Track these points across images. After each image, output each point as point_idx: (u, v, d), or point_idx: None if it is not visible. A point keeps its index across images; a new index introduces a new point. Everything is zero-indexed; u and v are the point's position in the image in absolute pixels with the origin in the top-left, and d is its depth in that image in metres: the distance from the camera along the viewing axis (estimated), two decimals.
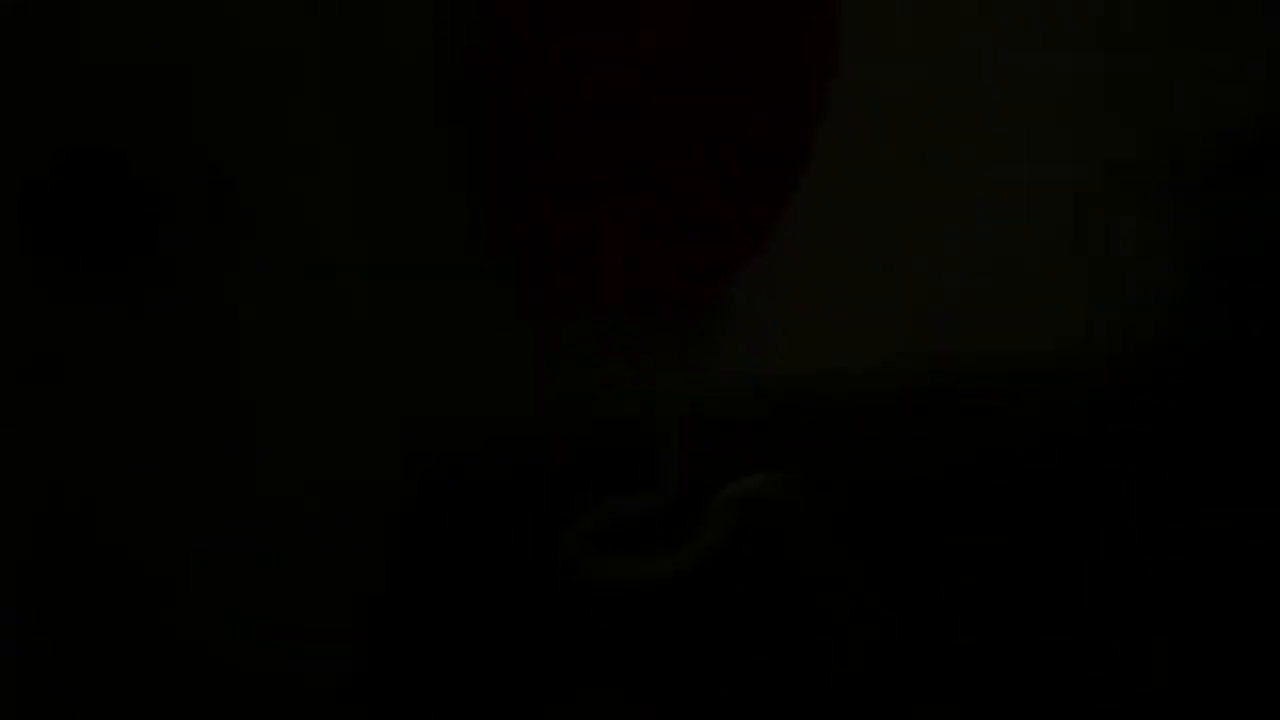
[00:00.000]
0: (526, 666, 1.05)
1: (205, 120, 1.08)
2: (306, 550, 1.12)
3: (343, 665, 1.10)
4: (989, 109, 1.25)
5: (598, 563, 1.04)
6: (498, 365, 1.22)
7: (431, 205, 1.20)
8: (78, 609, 1.08)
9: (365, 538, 1.14)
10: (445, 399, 1.20)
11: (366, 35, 1.16)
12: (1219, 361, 1.24)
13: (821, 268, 1.22)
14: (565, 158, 0.96)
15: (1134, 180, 1.27)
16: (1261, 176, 1.26)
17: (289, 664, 1.11)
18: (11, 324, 1.05)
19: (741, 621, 1.05)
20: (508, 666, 1.06)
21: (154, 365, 1.09)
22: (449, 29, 1.04)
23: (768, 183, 1.00)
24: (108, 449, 1.08)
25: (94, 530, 1.09)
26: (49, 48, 1.04)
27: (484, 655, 1.06)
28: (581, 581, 1.05)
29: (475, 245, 1.20)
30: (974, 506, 1.13)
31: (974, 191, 1.26)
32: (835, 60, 1.00)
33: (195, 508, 1.11)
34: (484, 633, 1.07)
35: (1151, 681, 1.08)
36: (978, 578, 1.11)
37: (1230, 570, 1.11)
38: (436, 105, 1.17)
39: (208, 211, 1.08)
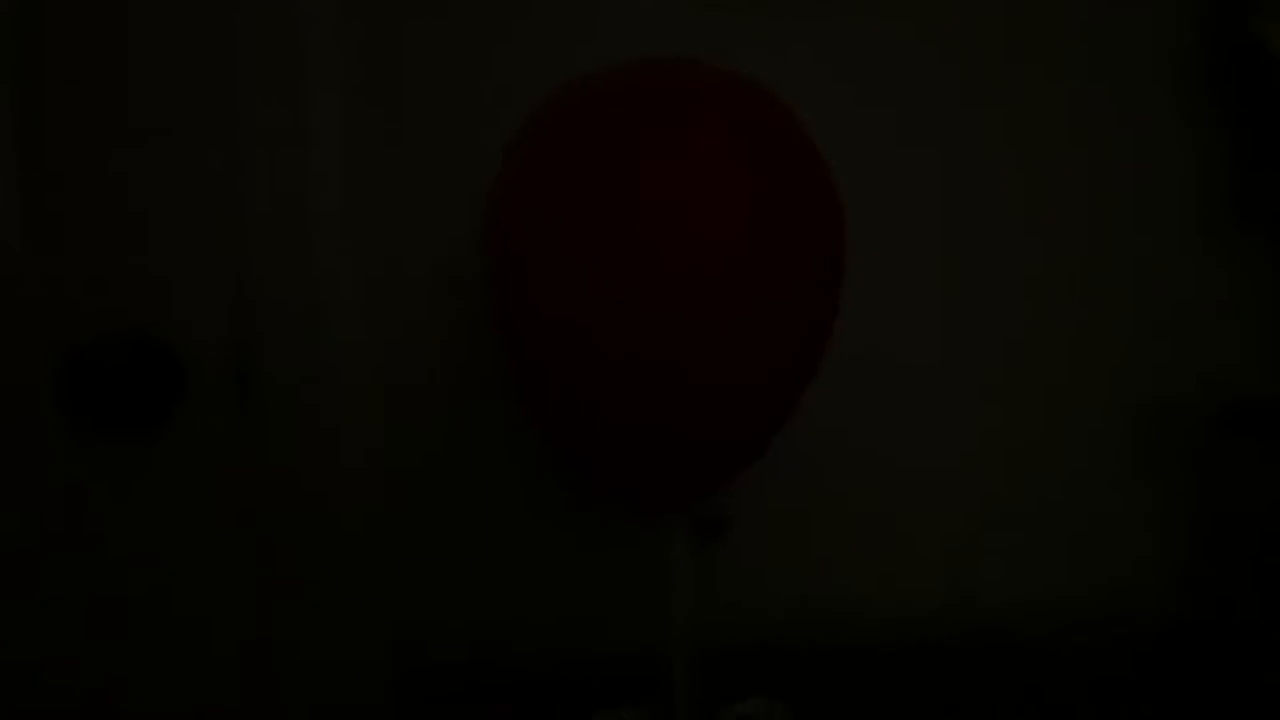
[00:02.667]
0: None
1: (241, 310, 1.12)
2: None
3: None
4: (984, 365, 1.29)
5: None
6: (507, 575, 1.24)
7: (457, 411, 1.25)
8: None
9: None
10: (448, 606, 1.23)
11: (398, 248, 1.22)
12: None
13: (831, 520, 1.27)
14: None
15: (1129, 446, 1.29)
16: (1259, 440, 1.27)
17: None
18: (44, 481, 1.09)
19: None
20: None
21: (169, 533, 1.11)
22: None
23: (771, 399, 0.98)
24: (117, 605, 1.11)
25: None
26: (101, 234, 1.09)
27: None
28: None
29: (495, 452, 1.24)
30: None
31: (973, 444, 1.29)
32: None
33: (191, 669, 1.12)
34: None
35: None
36: None
37: None
38: (460, 306, 1.21)
39: (235, 394, 1.12)
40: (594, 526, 1.24)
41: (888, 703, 1.13)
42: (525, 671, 1.20)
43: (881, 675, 1.18)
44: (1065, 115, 1.29)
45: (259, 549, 1.13)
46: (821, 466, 1.26)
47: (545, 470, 1.24)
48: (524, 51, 1.22)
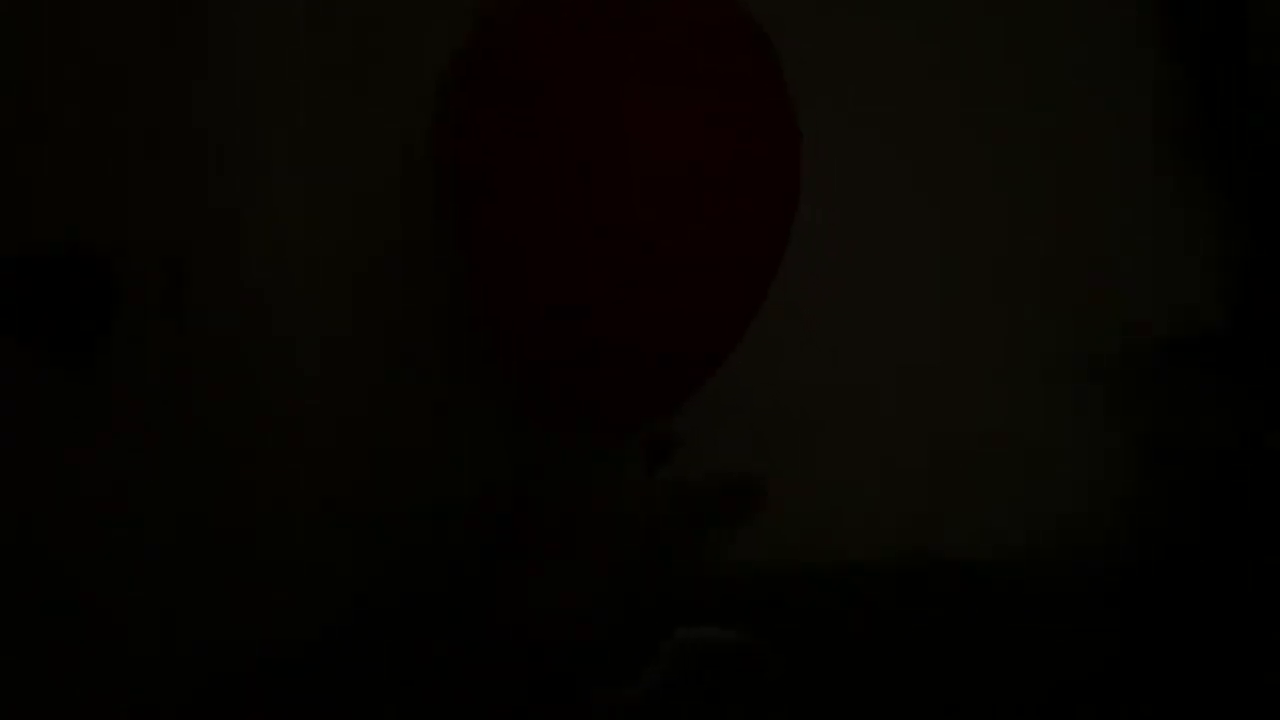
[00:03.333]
0: None
1: (166, 213, 1.09)
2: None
3: None
4: (953, 295, 1.27)
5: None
6: (464, 478, 1.21)
7: (400, 317, 1.21)
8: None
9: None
10: (396, 522, 1.19)
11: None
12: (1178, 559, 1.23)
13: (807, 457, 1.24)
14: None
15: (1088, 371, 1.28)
16: (1218, 370, 1.27)
17: None
18: None
19: None
20: None
21: (109, 450, 1.08)
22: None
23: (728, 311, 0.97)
24: (64, 522, 1.07)
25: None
26: (17, 146, 1.06)
27: None
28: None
29: (439, 347, 1.19)
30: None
31: (943, 374, 1.27)
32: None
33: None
34: None
35: None
36: None
37: None
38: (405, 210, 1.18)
39: (164, 302, 1.09)
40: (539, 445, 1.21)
41: (845, 633, 1.13)
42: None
43: (839, 606, 1.17)
44: (1016, 50, 1.28)
45: (192, 473, 1.10)
46: (779, 397, 1.24)
47: (495, 387, 1.20)
48: None
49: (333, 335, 1.18)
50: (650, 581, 1.03)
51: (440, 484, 1.20)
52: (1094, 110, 1.29)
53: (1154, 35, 1.30)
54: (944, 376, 1.28)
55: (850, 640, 1.13)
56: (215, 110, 1.12)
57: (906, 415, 1.27)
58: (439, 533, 1.19)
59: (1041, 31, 1.28)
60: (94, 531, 1.08)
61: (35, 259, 1.06)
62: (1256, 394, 1.25)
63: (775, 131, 0.96)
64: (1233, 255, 1.30)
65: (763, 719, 1.03)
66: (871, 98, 1.26)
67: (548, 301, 0.90)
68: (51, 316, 1.07)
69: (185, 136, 1.11)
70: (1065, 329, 1.29)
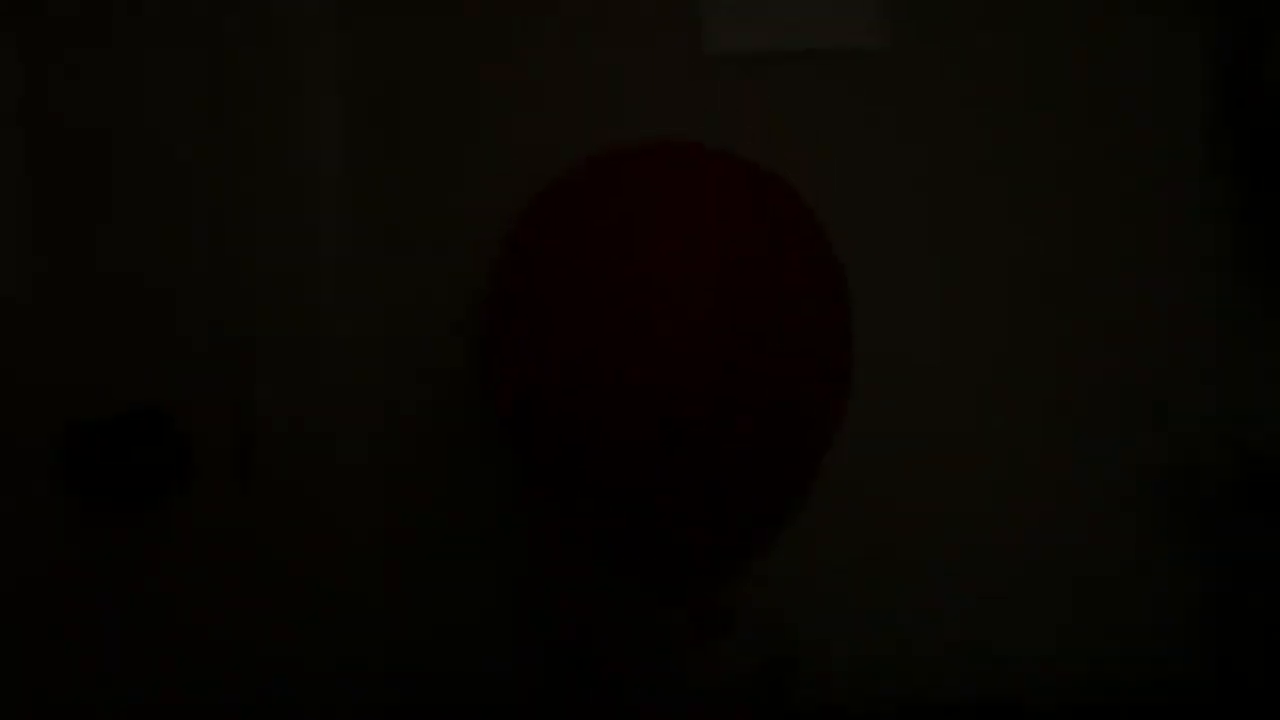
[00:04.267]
0: None
1: (241, 387, 1.14)
2: None
3: None
4: (991, 438, 1.26)
5: None
6: (509, 657, 1.23)
7: (458, 491, 1.23)
8: None
9: None
10: (445, 683, 1.22)
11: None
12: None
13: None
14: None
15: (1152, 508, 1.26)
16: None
17: None
18: (53, 556, 1.10)
19: None
20: None
21: (174, 603, 1.12)
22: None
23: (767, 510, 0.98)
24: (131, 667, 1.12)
25: None
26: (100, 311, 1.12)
27: None
28: None
29: (498, 530, 1.23)
30: None
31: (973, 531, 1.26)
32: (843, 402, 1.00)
33: None
34: None
35: None
36: None
37: None
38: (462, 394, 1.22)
39: (233, 469, 1.13)
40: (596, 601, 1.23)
41: None
42: None
43: None
44: (1079, 167, 1.27)
45: (258, 628, 1.14)
46: (827, 536, 1.23)
47: (549, 550, 1.23)
48: (524, 124, 1.23)
49: (392, 493, 1.22)
50: None
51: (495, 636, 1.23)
52: (1166, 231, 1.27)
53: (1219, 159, 1.26)
54: (1016, 509, 1.26)
55: None
56: (280, 275, 1.17)
57: (976, 547, 1.25)
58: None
59: (1098, 149, 1.26)
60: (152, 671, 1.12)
61: (107, 421, 1.11)
62: None
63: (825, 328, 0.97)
64: None
65: None
66: (925, 216, 1.26)
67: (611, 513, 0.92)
68: (122, 476, 1.11)
69: (255, 304, 1.16)
70: (1143, 463, 1.26)
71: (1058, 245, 1.27)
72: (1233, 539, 1.25)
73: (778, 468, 0.95)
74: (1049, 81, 1.26)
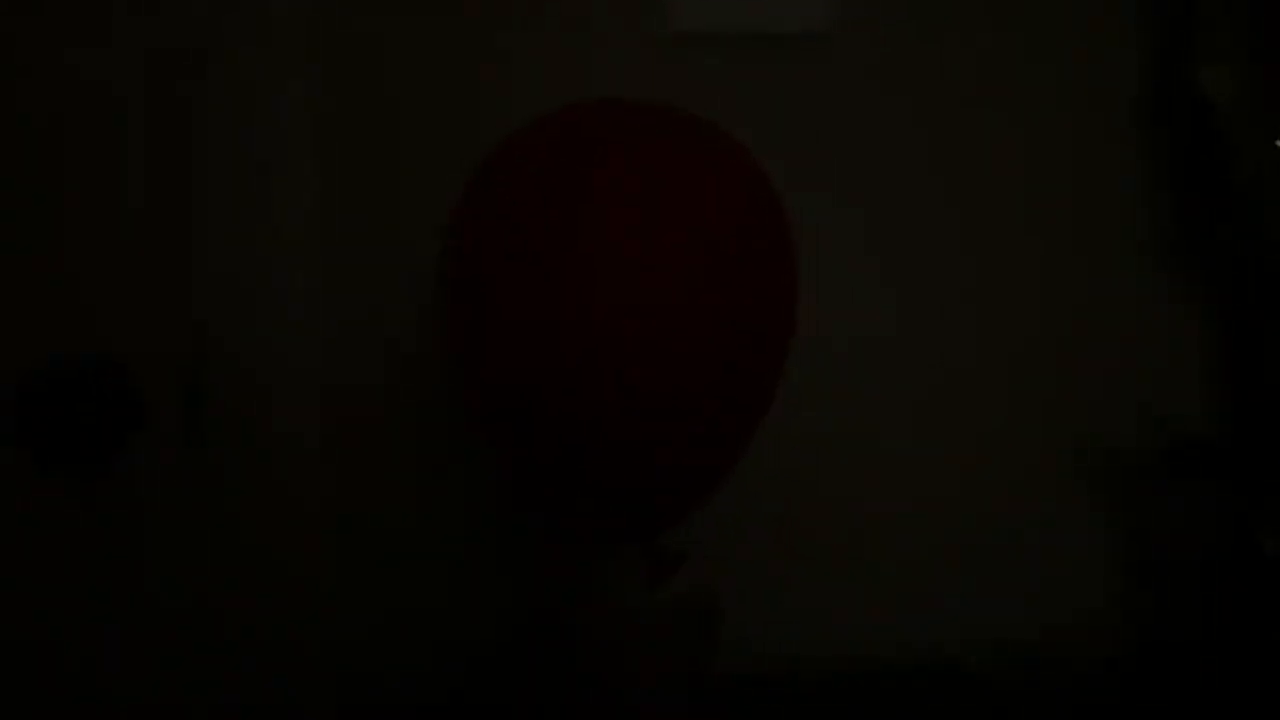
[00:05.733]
0: None
1: (188, 335, 1.13)
2: None
3: None
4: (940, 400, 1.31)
5: None
6: (459, 609, 1.23)
7: (412, 443, 1.24)
8: None
9: None
10: (398, 639, 1.22)
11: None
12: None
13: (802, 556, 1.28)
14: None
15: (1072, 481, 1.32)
16: (1197, 480, 1.29)
17: None
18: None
19: None
20: None
21: (125, 558, 1.11)
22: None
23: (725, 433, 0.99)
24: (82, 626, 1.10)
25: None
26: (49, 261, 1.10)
27: None
28: None
29: (453, 490, 1.24)
30: None
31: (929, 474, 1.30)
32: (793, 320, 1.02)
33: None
34: None
35: None
36: None
37: None
38: (417, 334, 1.23)
39: (183, 417, 1.12)
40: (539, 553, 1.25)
41: None
42: (469, 700, 1.19)
43: (827, 711, 1.18)
44: (1016, 151, 1.32)
45: (206, 584, 1.13)
46: (771, 503, 1.27)
47: (501, 502, 1.24)
48: (497, 84, 1.25)
49: (346, 448, 1.22)
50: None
51: (443, 584, 1.24)
52: (1086, 219, 1.33)
53: (1143, 148, 1.33)
54: (939, 479, 1.31)
55: None
56: (228, 225, 1.16)
57: (900, 516, 1.30)
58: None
59: (1032, 140, 1.32)
60: (105, 634, 1.11)
61: (55, 372, 1.09)
62: (1250, 502, 1.26)
63: (769, 257, 0.97)
64: (1226, 366, 1.32)
65: None
66: (870, 202, 1.30)
67: (549, 430, 0.92)
68: (70, 429, 1.09)
69: (200, 250, 1.15)
70: (1061, 436, 1.32)
71: (994, 227, 1.32)
72: (1149, 508, 1.31)
73: (727, 415, 0.96)
74: (1008, 76, 1.32)
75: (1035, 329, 1.33)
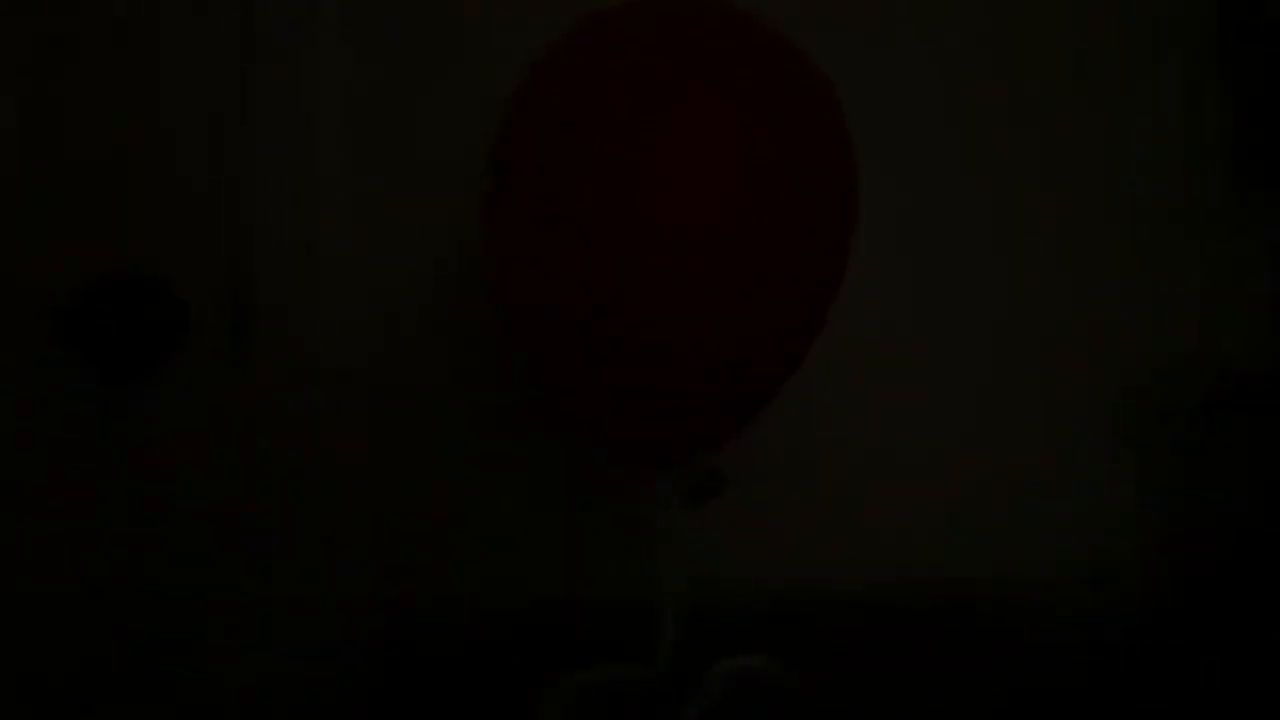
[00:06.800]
0: None
1: (233, 248, 1.12)
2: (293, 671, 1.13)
3: None
4: (982, 334, 1.30)
5: None
6: (496, 528, 1.24)
7: (444, 359, 1.24)
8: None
9: (347, 678, 1.15)
10: (439, 549, 1.23)
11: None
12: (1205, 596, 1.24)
13: (823, 482, 1.28)
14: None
15: (1127, 417, 1.29)
16: (1255, 415, 1.28)
17: None
18: (46, 426, 1.07)
19: None
20: None
21: (168, 470, 1.11)
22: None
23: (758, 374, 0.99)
24: (129, 539, 1.10)
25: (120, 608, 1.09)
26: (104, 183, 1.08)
27: None
28: None
29: (488, 402, 1.24)
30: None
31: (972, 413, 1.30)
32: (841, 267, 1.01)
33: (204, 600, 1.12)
34: None
35: None
36: None
37: None
38: (457, 255, 1.21)
39: (230, 333, 1.12)
40: (585, 479, 1.25)
41: (872, 663, 1.15)
42: (512, 625, 1.20)
43: (867, 636, 1.20)
44: (1058, 94, 1.30)
45: (253, 495, 1.13)
46: (813, 442, 1.27)
47: (538, 422, 1.24)
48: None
49: (385, 365, 1.22)
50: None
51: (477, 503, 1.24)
52: (1142, 156, 1.30)
53: (1203, 86, 1.29)
54: (982, 411, 1.30)
55: (875, 664, 1.15)
56: (276, 150, 1.15)
57: (942, 449, 1.29)
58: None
59: (1099, 76, 1.29)
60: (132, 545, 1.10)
61: (103, 287, 1.08)
62: None
63: (829, 158, 0.96)
64: (1270, 304, 1.30)
65: None
66: (909, 147, 1.28)
67: (592, 327, 0.92)
68: (118, 340, 1.09)
69: (246, 175, 1.14)
70: (1104, 374, 1.30)
71: (1034, 164, 1.30)
72: (1200, 454, 1.29)
73: (776, 342, 0.96)
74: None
75: (1084, 268, 1.30)
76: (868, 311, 1.25)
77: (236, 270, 1.13)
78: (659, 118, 0.90)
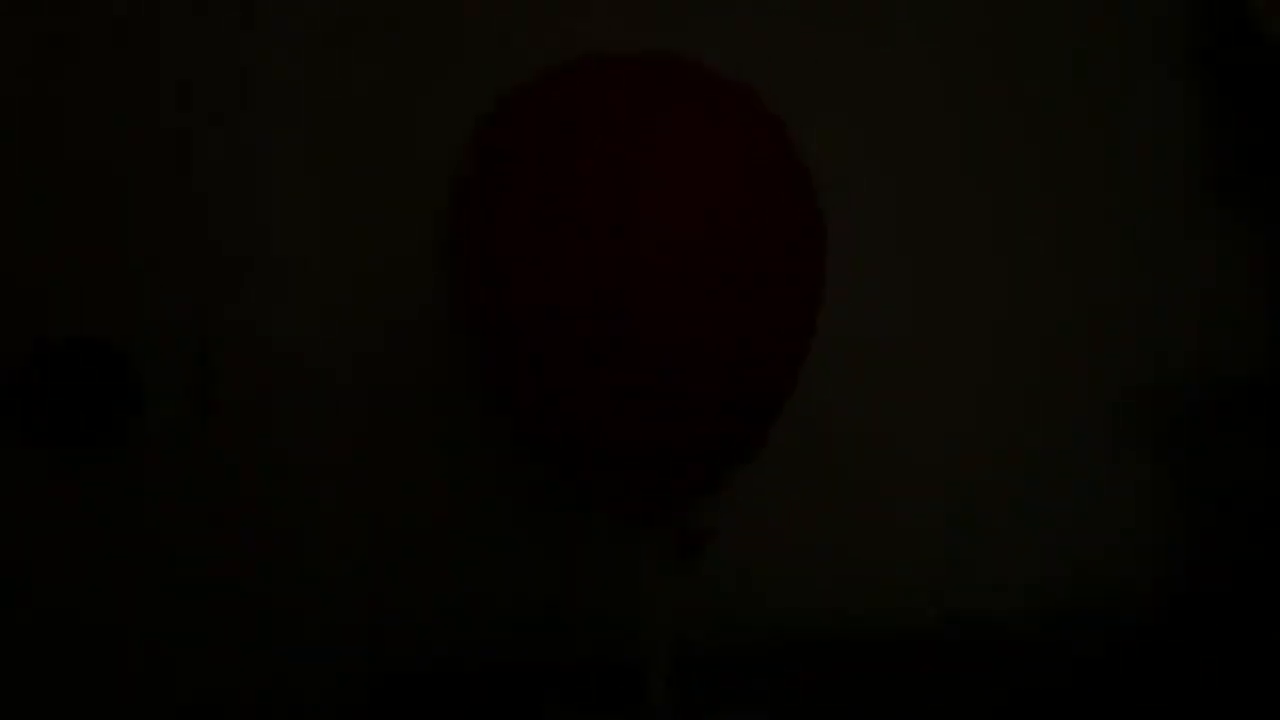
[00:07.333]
0: None
1: (191, 312, 1.10)
2: None
3: None
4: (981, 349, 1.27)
5: None
6: (481, 583, 1.20)
7: (426, 420, 1.19)
8: None
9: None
10: (418, 600, 1.19)
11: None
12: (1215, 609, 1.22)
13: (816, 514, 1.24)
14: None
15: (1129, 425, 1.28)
16: (1257, 417, 1.26)
17: None
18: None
19: None
20: None
21: (127, 541, 1.10)
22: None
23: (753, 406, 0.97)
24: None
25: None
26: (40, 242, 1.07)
27: None
28: None
29: (469, 456, 1.20)
30: None
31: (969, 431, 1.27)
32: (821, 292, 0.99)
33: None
34: None
35: None
36: None
37: None
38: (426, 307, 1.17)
39: (189, 398, 1.10)
40: (573, 530, 1.22)
41: (875, 701, 1.12)
42: (499, 674, 1.17)
43: (868, 673, 1.17)
44: (1058, 96, 1.29)
45: (217, 563, 1.11)
46: (806, 460, 1.23)
47: (523, 475, 1.20)
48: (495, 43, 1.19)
49: (354, 426, 1.18)
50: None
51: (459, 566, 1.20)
52: (1136, 159, 1.28)
53: (1196, 87, 1.28)
54: (981, 423, 1.28)
55: (874, 710, 1.11)
56: (233, 204, 1.13)
57: (940, 466, 1.27)
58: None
59: (1090, 82, 1.28)
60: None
61: (51, 352, 1.07)
62: None
63: (796, 220, 0.95)
64: (1273, 304, 1.29)
65: None
66: (916, 138, 1.26)
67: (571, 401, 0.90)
68: (68, 408, 1.07)
69: (205, 236, 1.12)
70: (1105, 376, 1.28)
71: (1034, 165, 1.28)
72: (1202, 457, 1.28)
73: (757, 388, 0.94)
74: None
75: (1084, 272, 1.28)
76: (865, 313, 1.23)
77: (195, 335, 1.11)
78: (659, 117, 0.90)
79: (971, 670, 1.17)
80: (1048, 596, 1.25)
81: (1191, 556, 1.27)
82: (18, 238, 1.06)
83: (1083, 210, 1.28)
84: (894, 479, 1.27)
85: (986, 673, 1.16)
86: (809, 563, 1.24)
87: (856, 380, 1.25)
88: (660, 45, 0.98)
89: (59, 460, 1.07)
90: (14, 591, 1.06)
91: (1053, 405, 1.28)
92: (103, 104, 1.09)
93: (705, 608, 1.08)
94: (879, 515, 1.26)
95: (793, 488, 1.24)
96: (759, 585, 1.23)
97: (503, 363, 0.96)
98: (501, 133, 0.95)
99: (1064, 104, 1.28)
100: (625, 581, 1.04)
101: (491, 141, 0.95)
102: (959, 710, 1.10)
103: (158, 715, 1.09)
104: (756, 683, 1.10)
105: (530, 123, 0.93)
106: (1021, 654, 1.20)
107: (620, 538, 1.07)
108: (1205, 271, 1.28)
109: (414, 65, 1.19)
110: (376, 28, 1.18)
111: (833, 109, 1.21)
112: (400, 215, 1.17)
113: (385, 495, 1.19)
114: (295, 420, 1.14)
